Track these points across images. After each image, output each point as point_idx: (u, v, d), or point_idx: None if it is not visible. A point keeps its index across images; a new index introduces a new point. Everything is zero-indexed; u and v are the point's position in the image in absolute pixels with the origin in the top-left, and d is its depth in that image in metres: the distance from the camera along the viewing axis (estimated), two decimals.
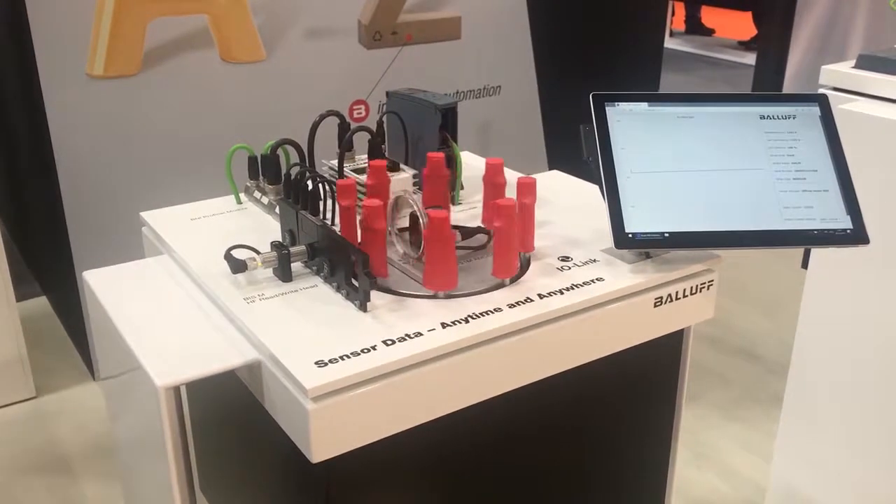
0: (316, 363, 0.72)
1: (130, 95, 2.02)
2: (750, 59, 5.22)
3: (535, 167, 2.75)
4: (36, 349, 2.26)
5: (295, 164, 0.99)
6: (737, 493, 1.86)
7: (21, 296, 2.31)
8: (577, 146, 0.93)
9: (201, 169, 2.04)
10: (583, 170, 1.15)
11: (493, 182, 0.94)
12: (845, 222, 0.88)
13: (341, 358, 0.72)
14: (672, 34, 6.45)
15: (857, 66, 1.41)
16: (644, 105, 0.91)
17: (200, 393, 1.06)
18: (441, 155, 0.97)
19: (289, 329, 0.77)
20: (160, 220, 1.02)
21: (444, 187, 0.97)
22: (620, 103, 0.90)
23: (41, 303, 2.55)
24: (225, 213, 1.05)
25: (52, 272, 2.40)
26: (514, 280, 0.86)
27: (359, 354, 0.73)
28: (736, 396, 2.17)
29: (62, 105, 1.95)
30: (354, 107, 2.30)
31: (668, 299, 0.89)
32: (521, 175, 0.95)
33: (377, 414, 0.73)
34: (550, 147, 2.80)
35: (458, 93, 2.54)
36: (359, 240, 0.87)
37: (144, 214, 1.04)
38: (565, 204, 1.07)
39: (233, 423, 0.95)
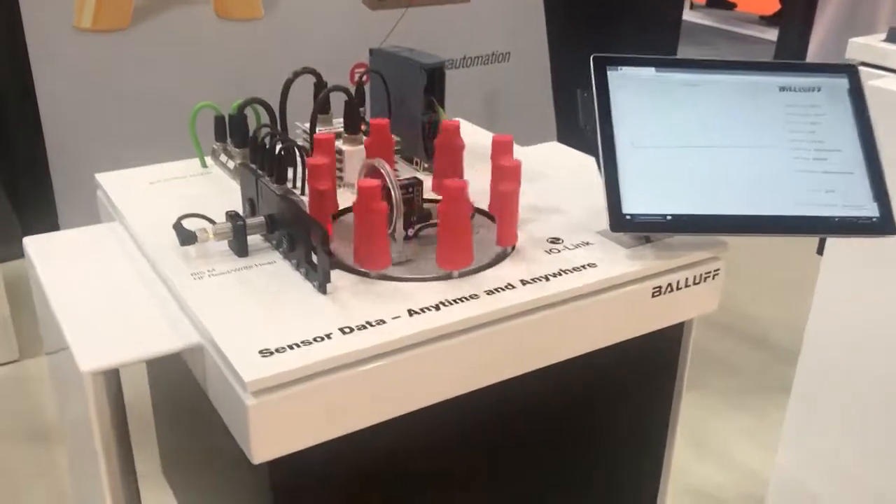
0: (261, 352, 0.63)
1: (120, 50, 1.93)
2: (771, 34, 5.08)
3: (544, 139, 2.65)
4: (20, 311, 2.19)
5: (264, 126, 0.90)
6: (738, 484, 1.78)
7: (6, 256, 2.24)
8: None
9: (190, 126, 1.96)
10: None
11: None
12: (871, 209, 0.78)
13: (290, 347, 0.63)
14: (693, 6, 6.29)
15: (888, 40, 1.31)
16: (651, 70, 0.81)
17: (161, 371, 0.98)
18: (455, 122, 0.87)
19: (236, 311, 0.69)
20: (115, 182, 0.93)
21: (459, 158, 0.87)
22: (624, 67, 0.81)
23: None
24: (187, 177, 0.95)
25: (36, 232, 2.32)
26: (496, 263, 0.77)
27: (310, 343, 0.64)
28: (741, 384, 2.09)
29: (48, 59, 1.86)
30: (356, 70, 2.21)
31: (668, 289, 0.79)
32: (522, 149, 0.86)
33: (329, 411, 0.64)
34: (560, 119, 2.70)
35: (465, 58, 2.43)
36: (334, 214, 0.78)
37: (99, 176, 0.95)
38: (563, 180, 0.97)
39: (188, 407, 0.87)
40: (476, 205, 0.84)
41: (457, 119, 0.87)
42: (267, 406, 0.61)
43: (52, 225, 1.98)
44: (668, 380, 0.92)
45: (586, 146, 1.11)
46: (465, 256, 0.74)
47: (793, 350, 1.63)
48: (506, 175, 0.78)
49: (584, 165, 1.02)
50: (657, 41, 2.93)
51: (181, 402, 0.89)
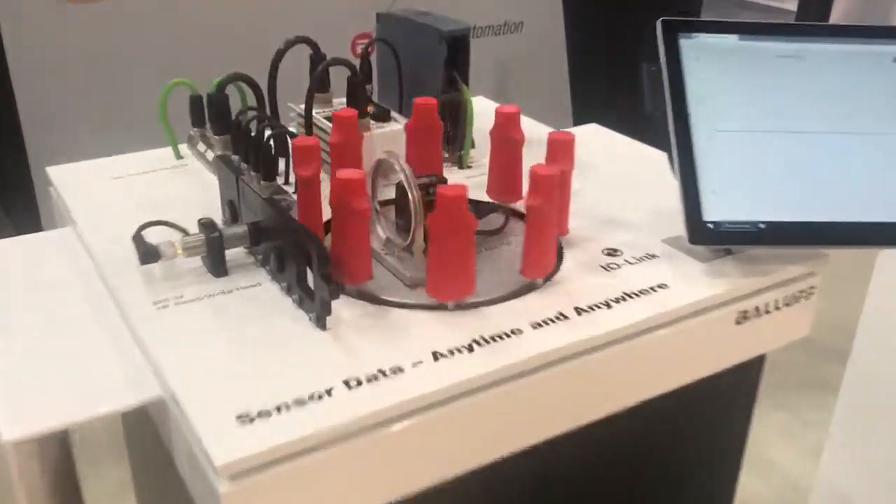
0: (238, 418, 0.47)
1: (107, 23, 1.76)
2: (790, 3, 4.88)
3: (558, 117, 2.48)
4: None
5: (249, 108, 0.74)
6: (776, 490, 1.64)
7: None
8: (607, 94, 0.68)
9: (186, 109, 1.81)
10: (619, 123, 0.91)
11: (506, 137, 0.68)
12: None
13: (277, 409, 0.48)
14: None
15: None
16: (733, 38, 0.64)
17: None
18: (432, 101, 0.70)
19: (208, 355, 0.53)
20: (69, 178, 0.77)
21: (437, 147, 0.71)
22: (700, 34, 0.64)
23: None
24: (158, 170, 0.79)
25: (18, 224, 2.18)
26: (544, 282, 0.61)
27: (304, 403, 0.48)
28: (779, 381, 1.95)
29: (25, 32, 1.69)
30: (358, 41, 2.04)
31: (756, 313, 0.63)
32: (549, 129, 0.69)
33: (330, 494, 0.49)
34: (576, 94, 2.52)
35: (475, 28, 2.26)
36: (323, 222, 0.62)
37: (51, 170, 0.79)
38: (609, 171, 0.81)
39: (161, 458, 0.72)
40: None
41: (431, 97, 0.70)
42: (246, 493, 0.45)
43: (34, 218, 1.83)
44: (743, 412, 0.76)
45: (607, 125, 0.95)
46: (551, 259, 0.61)
47: (833, 346, 1.50)
48: (559, 152, 0.62)
49: (631, 153, 0.86)
50: (679, 11, 2.75)
51: (153, 449, 0.73)
